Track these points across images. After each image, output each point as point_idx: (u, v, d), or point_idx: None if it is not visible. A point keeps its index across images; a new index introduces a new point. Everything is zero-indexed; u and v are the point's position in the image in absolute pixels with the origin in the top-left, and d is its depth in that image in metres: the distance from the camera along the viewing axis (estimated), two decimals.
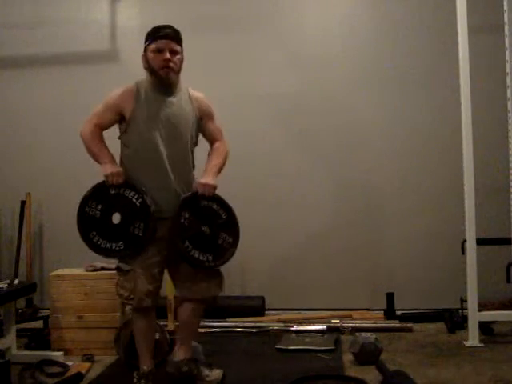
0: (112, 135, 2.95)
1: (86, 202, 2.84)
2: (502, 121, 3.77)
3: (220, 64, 4.59)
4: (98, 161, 2.81)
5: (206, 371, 2.91)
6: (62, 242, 4.68)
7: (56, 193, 4.72)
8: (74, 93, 4.70)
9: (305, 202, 4.52)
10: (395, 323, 4.05)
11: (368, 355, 3.23)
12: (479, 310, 3.59)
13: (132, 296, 2.78)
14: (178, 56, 2.89)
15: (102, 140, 2.83)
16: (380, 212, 4.47)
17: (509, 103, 3.59)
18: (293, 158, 4.55)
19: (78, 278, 3.68)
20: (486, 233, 3.78)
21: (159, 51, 2.80)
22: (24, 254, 4.55)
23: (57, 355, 3.40)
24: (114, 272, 3.64)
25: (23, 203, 4.54)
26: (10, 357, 3.18)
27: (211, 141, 2.97)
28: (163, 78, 2.80)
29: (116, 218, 2.77)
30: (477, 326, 3.58)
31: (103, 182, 2.80)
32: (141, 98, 2.79)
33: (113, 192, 2.78)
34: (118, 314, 3.61)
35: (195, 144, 2.93)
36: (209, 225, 2.81)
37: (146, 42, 2.84)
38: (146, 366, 2.85)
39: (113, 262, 3.80)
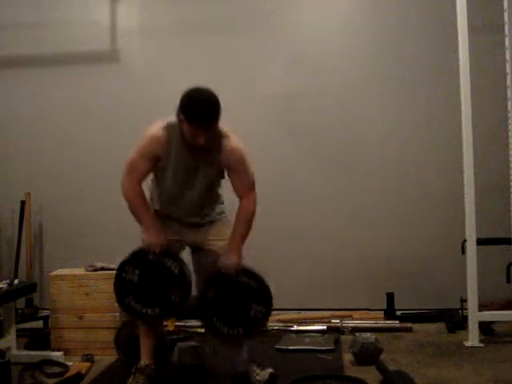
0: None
1: (123, 267, 2.82)
2: (502, 121, 3.77)
3: (220, 64, 4.59)
4: (140, 223, 2.83)
5: (256, 369, 2.90)
6: (62, 242, 4.69)
7: (56, 193, 4.72)
8: (74, 93, 4.70)
9: (304, 202, 4.52)
10: (395, 323, 4.05)
11: (368, 355, 3.23)
12: (479, 310, 3.59)
13: None
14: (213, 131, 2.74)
15: (145, 200, 2.84)
16: (380, 212, 4.47)
17: (509, 103, 3.59)
18: (293, 158, 4.54)
19: (78, 278, 3.68)
20: (486, 233, 3.78)
21: (194, 132, 2.66)
22: (24, 254, 4.55)
23: (57, 355, 3.40)
24: (114, 272, 3.68)
25: (23, 203, 4.54)
26: (9, 357, 3.17)
27: (238, 196, 2.87)
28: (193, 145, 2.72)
29: (152, 284, 2.78)
30: (477, 326, 3.57)
31: (142, 248, 2.81)
32: (171, 147, 2.73)
33: (151, 258, 2.78)
34: (117, 313, 3.61)
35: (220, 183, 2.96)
36: (239, 298, 2.79)
37: (182, 110, 2.63)
38: (144, 360, 2.91)
39: (113, 262, 3.83)
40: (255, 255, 4.29)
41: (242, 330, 2.78)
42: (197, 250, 2.96)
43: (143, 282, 2.77)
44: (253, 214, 2.86)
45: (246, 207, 2.84)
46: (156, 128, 2.74)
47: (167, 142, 2.72)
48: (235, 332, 2.77)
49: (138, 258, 2.80)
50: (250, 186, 2.86)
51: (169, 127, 2.72)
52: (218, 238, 2.89)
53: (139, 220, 2.82)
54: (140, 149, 2.77)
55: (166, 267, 2.76)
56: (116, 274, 2.82)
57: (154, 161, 2.77)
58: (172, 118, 2.71)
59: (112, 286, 3.58)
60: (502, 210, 3.82)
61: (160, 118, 2.80)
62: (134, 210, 2.81)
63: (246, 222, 2.85)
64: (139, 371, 2.90)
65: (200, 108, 2.60)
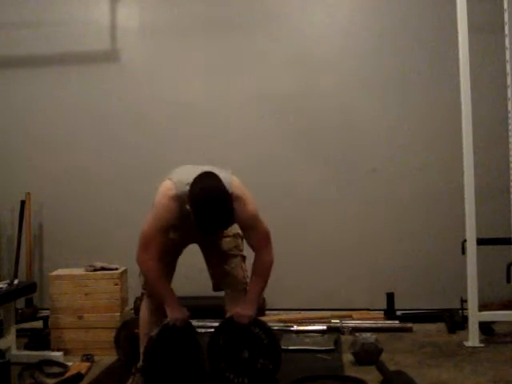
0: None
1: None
2: (502, 121, 3.77)
3: (220, 64, 4.59)
4: (161, 300, 2.80)
5: None
6: (62, 242, 4.69)
7: (56, 193, 4.72)
8: (74, 93, 4.71)
9: (304, 202, 4.52)
10: (395, 323, 4.04)
11: (368, 355, 3.23)
12: (479, 310, 3.59)
13: (145, 286, 2.94)
14: None
15: (164, 276, 2.81)
16: (380, 212, 4.47)
17: (509, 103, 3.59)
18: (293, 158, 4.54)
19: (78, 278, 3.68)
20: (486, 233, 3.78)
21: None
22: (24, 254, 4.55)
23: (57, 355, 3.40)
24: (114, 272, 3.69)
25: (23, 203, 4.54)
26: (9, 357, 3.18)
27: (254, 249, 2.84)
28: None
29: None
30: (477, 326, 3.57)
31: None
32: (182, 218, 2.70)
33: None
34: (117, 313, 3.61)
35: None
36: (248, 348, 2.80)
37: (192, 214, 2.56)
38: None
39: (113, 262, 3.83)
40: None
41: (247, 380, 2.79)
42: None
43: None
44: (271, 262, 2.82)
45: (263, 258, 2.80)
46: (168, 198, 2.68)
47: (180, 212, 2.68)
48: (240, 381, 2.79)
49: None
50: (266, 239, 2.82)
51: (180, 198, 2.66)
52: (224, 235, 2.95)
53: (161, 297, 2.79)
54: (155, 223, 2.71)
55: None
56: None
57: (169, 229, 2.77)
58: (181, 179, 2.69)
59: (112, 286, 3.62)
60: (502, 210, 3.82)
61: (168, 176, 2.76)
62: (155, 287, 2.79)
63: (265, 271, 2.82)
64: (139, 371, 2.91)
65: (211, 222, 2.55)
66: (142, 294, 3.04)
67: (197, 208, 2.54)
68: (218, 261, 2.97)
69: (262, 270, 2.81)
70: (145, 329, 2.97)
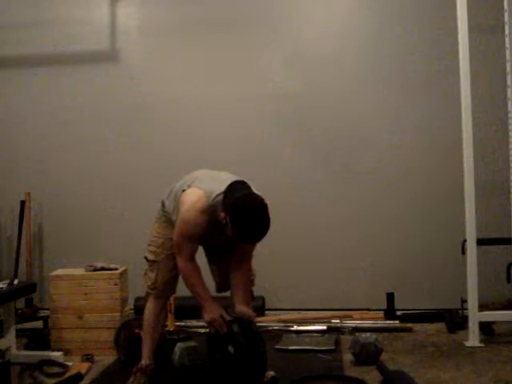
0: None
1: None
2: (502, 121, 3.77)
3: (220, 64, 4.58)
4: (199, 299, 2.82)
5: None
6: (62, 242, 4.69)
7: (56, 193, 4.72)
8: (74, 93, 4.70)
9: (304, 202, 4.52)
10: (395, 323, 4.05)
11: (368, 355, 3.23)
12: (479, 310, 3.59)
13: (154, 286, 2.95)
14: None
15: (200, 274, 2.82)
16: (380, 212, 4.47)
17: (509, 103, 3.59)
18: (292, 158, 4.54)
19: (78, 278, 3.68)
20: (486, 233, 3.78)
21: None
22: (24, 254, 4.54)
23: (57, 355, 3.39)
24: (114, 272, 3.69)
25: (23, 203, 4.53)
26: (9, 357, 3.18)
27: (238, 261, 2.91)
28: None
29: None
30: (477, 326, 3.57)
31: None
32: (210, 227, 2.73)
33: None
34: (117, 314, 3.61)
35: None
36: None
37: (232, 225, 2.57)
38: (145, 360, 2.95)
39: (113, 262, 3.83)
40: (255, 255, 4.30)
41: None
42: None
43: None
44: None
45: (247, 270, 2.94)
46: (199, 211, 2.68)
47: (208, 223, 2.71)
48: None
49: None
50: (251, 255, 2.96)
51: (210, 208, 2.68)
52: None
53: (199, 296, 2.80)
54: (184, 234, 2.73)
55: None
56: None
57: (198, 238, 2.78)
58: (211, 189, 2.70)
59: (112, 286, 3.62)
60: (502, 210, 3.83)
61: (195, 184, 2.76)
62: (194, 286, 2.80)
63: (249, 279, 2.97)
64: (140, 371, 2.93)
65: (251, 236, 2.61)
66: (148, 295, 3.01)
67: (240, 219, 2.56)
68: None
69: (249, 279, 2.99)
70: (148, 332, 2.98)
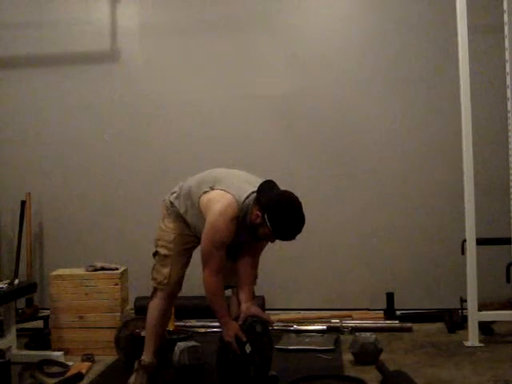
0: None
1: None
2: (502, 121, 3.77)
3: (220, 64, 4.59)
4: (216, 315, 2.79)
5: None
6: (62, 242, 4.70)
7: (56, 193, 4.72)
8: (74, 93, 4.71)
9: (304, 202, 4.50)
10: (395, 323, 4.05)
11: (368, 355, 3.23)
12: (479, 310, 3.59)
13: (166, 280, 2.85)
14: None
15: (223, 291, 2.79)
16: (380, 212, 4.47)
17: (509, 103, 3.59)
18: (292, 158, 4.55)
19: (78, 278, 3.68)
20: (486, 233, 3.78)
21: (273, 239, 2.73)
22: (24, 254, 4.55)
23: (57, 355, 3.40)
24: (114, 272, 3.69)
25: (23, 203, 4.54)
26: (10, 356, 3.19)
27: (248, 254, 2.90)
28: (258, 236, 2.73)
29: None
30: (477, 325, 3.58)
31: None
32: (238, 227, 2.70)
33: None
34: (118, 313, 3.61)
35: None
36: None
37: (271, 223, 2.60)
38: (148, 357, 2.91)
39: (113, 262, 3.84)
40: None
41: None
42: None
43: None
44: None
45: (256, 266, 2.94)
46: (229, 218, 2.63)
47: (238, 223, 2.68)
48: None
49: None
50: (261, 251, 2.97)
51: (241, 211, 2.66)
52: None
53: (217, 313, 2.77)
54: (216, 242, 2.65)
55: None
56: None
57: (226, 245, 2.72)
58: (239, 192, 2.67)
59: (112, 286, 3.62)
60: (501, 210, 3.83)
61: (220, 187, 2.71)
62: (215, 302, 2.75)
63: (255, 275, 2.95)
64: (143, 368, 2.89)
65: (291, 232, 2.64)
66: (156, 291, 2.91)
67: (280, 216, 2.60)
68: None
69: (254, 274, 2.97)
70: (153, 328, 2.92)
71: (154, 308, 2.92)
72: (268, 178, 2.78)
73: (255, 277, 2.99)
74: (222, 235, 2.64)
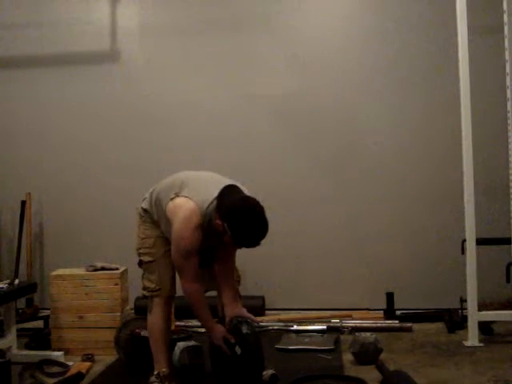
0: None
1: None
2: (501, 121, 3.77)
3: (220, 64, 4.59)
4: (202, 323, 2.84)
5: None
6: (62, 242, 4.70)
7: (56, 193, 4.72)
8: (74, 93, 4.71)
9: (303, 202, 4.52)
10: (395, 323, 4.05)
11: (368, 355, 3.24)
12: (479, 310, 3.60)
13: (159, 286, 2.82)
14: None
15: (203, 297, 2.78)
16: (380, 212, 4.47)
17: (509, 103, 3.59)
18: (292, 158, 4.55)
19: (78, 277, 3.68)
20: (486, 233, 3.78)
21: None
22: (24, 254, 4.55)
23: (57, 355, 3.40)
24: (114, 272, 3.69)
25: (23, 203, 4.54)
26: (10, 356, 3.18)
27: (223, 257, 2.88)
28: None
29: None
30: (476, 325, 3.57)
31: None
32: (205, 233, 2.66)
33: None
34: (118, 313, 3.61)
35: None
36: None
37: (230, 230, 2.54)
38: (164, 367, 2.85)
39: (113, 262, 3.84)
40: (255, 255, 4.30)
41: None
42: None
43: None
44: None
45: (232, 269, 2.91)
46: (193, 227, 2.60)
47: (203, 229, 2.64)
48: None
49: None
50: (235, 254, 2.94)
51: (204, 218, 2.62)
52: None
53: (203, 320, 2.80)
54: (182, 251, 2.64)
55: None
56: None
57: (196, 252, 2.69)
58: (202, 198, 2.63)
59: (112, 286, 3.63)
60: (501, 210, 3.83)
61: (183, 194, 2.67)
62: (198, 311, 2.76)
63: (234, 277, 2.92)
64: (167, 379, 2.83)
65: (252, 240, 2.57)
66: (151, 300, 2.86)
67: (238, 224, 2.53)
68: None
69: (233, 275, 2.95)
70: (160, 337, 2.87)
71: (155, 316, 2.86)
72: (233, 182, 2.71)
73: (238, 278, 2.99)
74: (186, 243, 2.61)
